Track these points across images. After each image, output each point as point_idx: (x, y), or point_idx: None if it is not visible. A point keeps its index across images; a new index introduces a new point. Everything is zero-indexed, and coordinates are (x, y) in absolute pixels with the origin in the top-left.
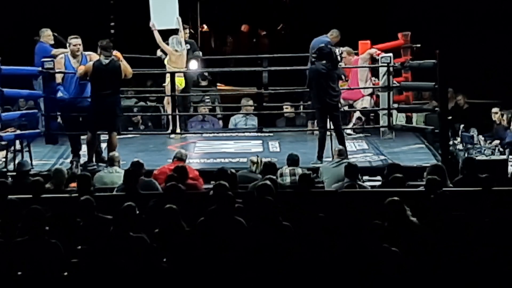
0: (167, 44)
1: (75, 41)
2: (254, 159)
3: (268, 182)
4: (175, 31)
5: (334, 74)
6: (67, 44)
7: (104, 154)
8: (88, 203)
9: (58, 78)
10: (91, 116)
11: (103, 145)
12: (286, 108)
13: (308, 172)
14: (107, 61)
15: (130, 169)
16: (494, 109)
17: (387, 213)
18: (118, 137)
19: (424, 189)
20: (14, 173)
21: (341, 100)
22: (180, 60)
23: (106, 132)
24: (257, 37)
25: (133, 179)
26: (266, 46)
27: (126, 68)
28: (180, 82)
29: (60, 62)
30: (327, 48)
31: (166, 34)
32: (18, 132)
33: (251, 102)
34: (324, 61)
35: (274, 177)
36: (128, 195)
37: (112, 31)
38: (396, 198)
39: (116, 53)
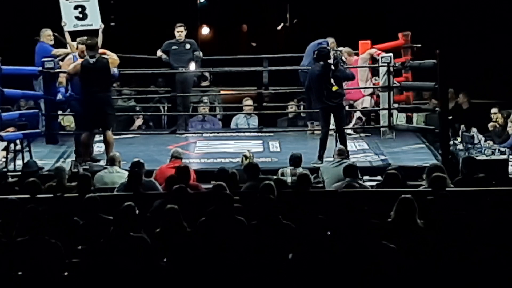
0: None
1: (82, 47)
2: (247, 153)
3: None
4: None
5: (330, 75)
6: (75, 45)
7: (104, 154)
8: (93, 201)
9: (63, 78)
10: (85, 115)
11: (100, 145)
12: (291, 107)
13: (307, 172)
14: (94, 59)
15: (134, 170)
16: (493, 109)
17: (396, 210)
18: (118, 137)
19: (424, 189)
20: (19, 173)
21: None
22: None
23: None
24: (257, 37)
25: (137, 181)
26: (266, 46)
27: (113, 60)
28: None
29: (69, 64)
30: (326, 50)
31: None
32: (19, 132)
33: (250, 102)
34: (321, 63)
35: (280, 177)
36: (132, 196)
37: (113, 24)
38: (409, 196)
39: (102, 51)
